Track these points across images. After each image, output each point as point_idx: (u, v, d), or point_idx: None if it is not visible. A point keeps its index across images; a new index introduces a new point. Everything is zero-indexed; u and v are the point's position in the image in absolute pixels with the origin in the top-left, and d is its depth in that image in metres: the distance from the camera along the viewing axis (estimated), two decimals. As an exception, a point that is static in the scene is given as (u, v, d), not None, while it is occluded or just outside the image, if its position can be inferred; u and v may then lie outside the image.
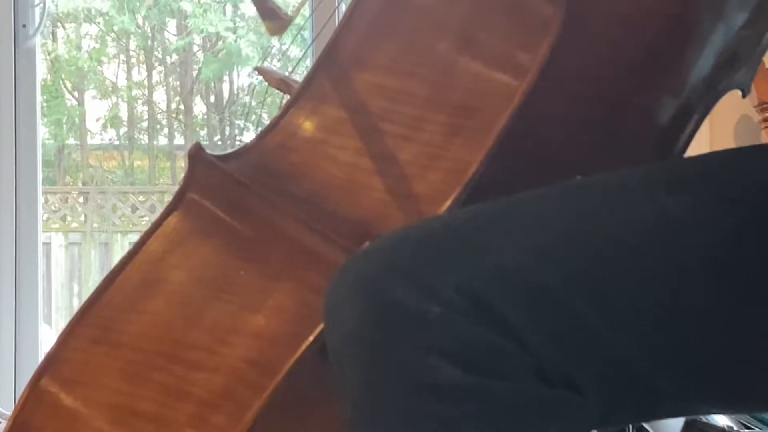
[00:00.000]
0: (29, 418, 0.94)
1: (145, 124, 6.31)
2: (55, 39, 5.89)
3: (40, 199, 2.48)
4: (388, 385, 0.66)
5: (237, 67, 5.96)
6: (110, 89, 6.16)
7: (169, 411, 0.90)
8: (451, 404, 0.64)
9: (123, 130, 6.20)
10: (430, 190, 0.90)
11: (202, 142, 0.97)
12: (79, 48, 5.98)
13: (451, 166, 0.90)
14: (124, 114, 6.21)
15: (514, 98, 0.88)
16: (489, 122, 0.89)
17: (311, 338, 0.86)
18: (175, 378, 0.90)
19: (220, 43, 5.89)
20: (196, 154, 0.95)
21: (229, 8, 5.89)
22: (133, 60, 6.25)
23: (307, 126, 0.96)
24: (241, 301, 0.91)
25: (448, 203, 0.89)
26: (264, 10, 1.03)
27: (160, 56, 6.26)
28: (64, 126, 6.06)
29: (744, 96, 1.05)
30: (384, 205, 0.91)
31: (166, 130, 6.35)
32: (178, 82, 6.30)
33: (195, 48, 6.16)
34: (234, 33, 5.74)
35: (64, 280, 5.40)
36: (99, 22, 5.95)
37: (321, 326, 0.83)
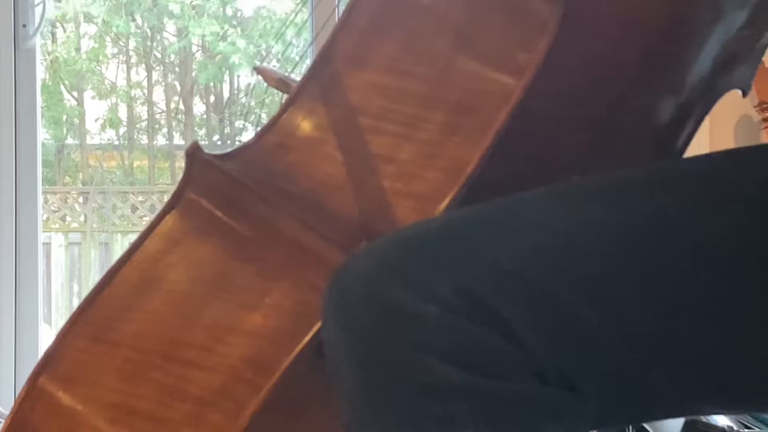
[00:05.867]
0: (27, 417, 0.94)
1: (144, 124, 6.32)
2: (54, 39, 5.89)
3: (40, 199, 2.48)
4: (386, 385, 0.66)
5: (235, 70, 5.96)
6: (109, 89, 6.16)
7: (167, 410, 0.90)
8: (449, 404, 0.64)
9: (122, 130, 6.20)
10: (428, 189, 0.90)
11: (201, 143, 0.96)
12: (78, 48, 5.99)
13: (449, 165, 0.90)
14: (123, 114, 6.21)
15: (512, 97, 0.88)
16: (487, 121, 0.89)
17: (308, 337, 0.86)
18: (173, 377, 0.90)
19: (214, 47, 5.88)
20: (194, 153, 0.95)
21: (228, 11, 5.89)
22: (132, 60, 6.25)
23: (305, 125, 0.96)
24: (239, 300, 0.91)
25: (446, 202, 0.89)
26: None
27: (159, 56, 6.26)
28: (64, 126, 6.07)
29: (744, 95, 1.05)
30: (382, 204, 0.91)
31: (165, 130, 6.36)
32: (177, 82, 6.30)
33: (194, 48, 6.17)
34: (229, 37, 5.74)
35: (64, 280, 5.40)
36: (98, 23, 5.95)
37: (318, 325, 0.83)
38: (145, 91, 6.23)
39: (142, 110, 6.32)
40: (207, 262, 0.94)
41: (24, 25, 2.43)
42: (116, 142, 6.21)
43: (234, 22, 5.85)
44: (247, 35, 5.75)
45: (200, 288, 0.93)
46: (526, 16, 0.91)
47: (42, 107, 3.17)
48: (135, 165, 6.28)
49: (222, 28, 5.75)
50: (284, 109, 0.97)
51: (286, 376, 0.86)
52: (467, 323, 0.65)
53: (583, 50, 0.94)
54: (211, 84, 6.24)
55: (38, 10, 2.45)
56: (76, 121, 6.14)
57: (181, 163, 0.98)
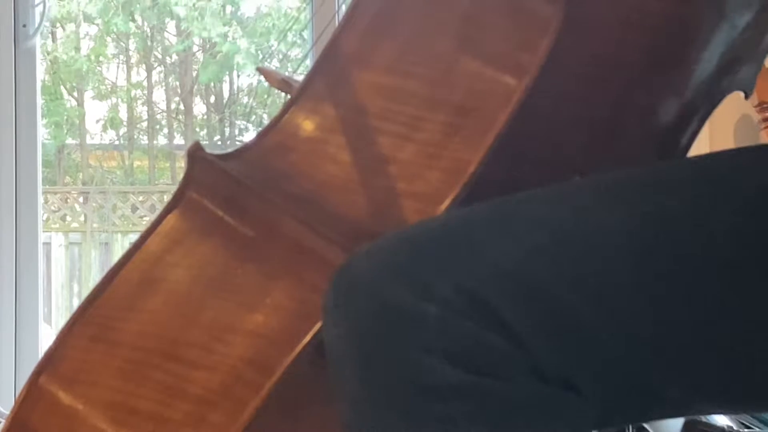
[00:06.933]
0: (27, 417, 0.94)
1: (144, 125, 6.32)
2: (54, 39, 5.89)
3: (40, 199, 2.49)
4: (386, 385, 0.66)
5: (236, 69, 5.96)
6: (109, 90, 6.16)
7: (167, 409, 0.90)
8: (449, 404, 0.65)
9: (123, 130, 6.20)
10: (429, 189, 0.90)
11: (201, 143, 0.97)
12: (78, 49, 5.98)
13: (450, 165, 0.90)
14: (123, 114, 6.21)
15: (514, 98, 0.88)
16: (488, 122, 0.89)
17: (309, 337, 0.86)
18: (173, 376, 0.90)
19: (217, 46, 5.88)
20: (195, 152, 0.95)
21: (228, 10, 5.89)
22: (133, 60, 6.25)
23: (307, 125, 0.96)
24: (240, 299, 0.91)
25: (446, 203, 0.89)
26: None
27: (159, 56, 6.26)
28: (64, 127, 6.07)
29: (747, 97, 1.05)
30: (383, 204, 0.92)
31: (165, 131, 6.36)
32: (177, 83, 6.30)
33: (195, 48, 6.17)
34: (231, 36, 5.74)
35: (64, 280, 5.41)
36: (98, 23, 5.95)
37: (319, 325, 0.83)
38: (146, 91, 6.23)
39: (142, 110, 6.32)
40: (208, 261, 0.94)
41: (24, 25, 2.43)
42: (117, 143, 6.21)
43: (236, 22, 5.85)
44: (249, 33, 5.75)
45: (201, 288, 0.94)
46: (527, 17, 0.91)
47: (42, 107, 3.17)
48: (135, 165, 6.29)
49: (224, 27, 5.75)
50: (286, 109, 0.97)
51: (286, 375, 0.86)
52: (467, 323, 0.65)
53: (585, 50, 0.94)
54: (212, 84, 6.24)
55: (38, 10, 2.45)
56: (77, 121, 6.14)
57: (181, 164, 0.98)
